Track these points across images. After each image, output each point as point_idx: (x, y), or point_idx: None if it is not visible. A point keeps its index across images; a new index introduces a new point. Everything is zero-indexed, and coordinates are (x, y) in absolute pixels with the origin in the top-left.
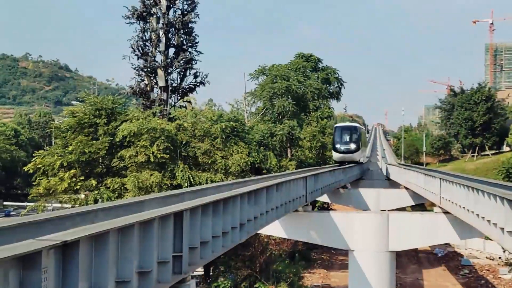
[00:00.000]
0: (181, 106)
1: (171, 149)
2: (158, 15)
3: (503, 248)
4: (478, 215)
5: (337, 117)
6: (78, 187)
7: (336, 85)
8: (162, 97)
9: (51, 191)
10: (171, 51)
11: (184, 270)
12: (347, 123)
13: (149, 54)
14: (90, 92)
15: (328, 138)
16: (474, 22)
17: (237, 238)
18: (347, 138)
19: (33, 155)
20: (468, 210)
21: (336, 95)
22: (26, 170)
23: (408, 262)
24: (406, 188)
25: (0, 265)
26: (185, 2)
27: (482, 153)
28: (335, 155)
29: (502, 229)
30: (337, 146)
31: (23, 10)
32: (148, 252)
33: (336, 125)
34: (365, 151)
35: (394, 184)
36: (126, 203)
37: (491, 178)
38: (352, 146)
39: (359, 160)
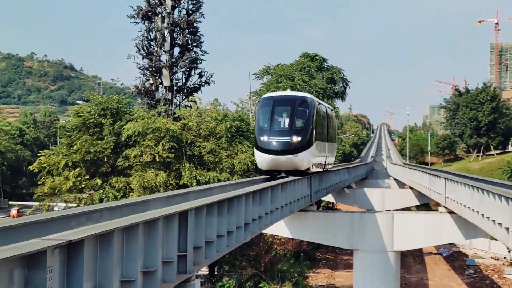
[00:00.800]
0: (186, 106)
1: (176, 149)
2: (163, 15)
3: (508, 248)
4: (483, 215)
5: (342, 117)
6: (83, 186)
7: (341, 85)
8: (167, 97)
9: (56, 191)
10: (176, 50)
11: (189, 269)
12: (287, 93)
13: (154, 53)
14: (95, 92)
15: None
16: (479, 22)
17: (241, 238)
18: (284, 122)
19: (38, 154)
20: (473, 210)
21: (341, 95)
22: (31, 169)
23: (413, 262)
24: (411, 188)
25: (5, 265)
26: (190, 2)
27: (487, 153)
28: (260, 158)
29: (507, 229)
30: (263, 138)
31: (27, 9)
32: (152, 251)
33: (264, 97)
34: (328, 150)
35: (399, 184)
36: (130, 202)
37: (496, 178)
38: (295, 138)
39: (311, 168)
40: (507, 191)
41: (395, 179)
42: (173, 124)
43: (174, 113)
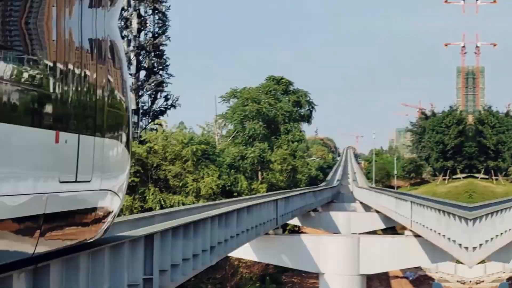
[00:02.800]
0: (152, 129)
1: (141, 172)
2: (129, 38)
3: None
4: (449, 238)
5: (307, 140)
6: None
7: (307, 108)
8: (133, 120)
9: None
10: (142, 73)
11: None
12: None
13: None
14: None
15: (299, 161)
16: (446, 45)
17: (207, 261)
18: None
19: None
20: (439, 233)
21: (307, 118)
22: None
23: (379, 286)
24: (377, 211)
25: None
26: (156, 25)
27: (454, 177)
28: None
29: (467, 248)
30: None
31: None
32: (118, 275)
33: None
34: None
35: (365, 207)
36: None
37: (463, 201)
38: None
39: None
40: (472, 213)
41: (361, 202)
42: (138, 147)
43: (140, 136)
